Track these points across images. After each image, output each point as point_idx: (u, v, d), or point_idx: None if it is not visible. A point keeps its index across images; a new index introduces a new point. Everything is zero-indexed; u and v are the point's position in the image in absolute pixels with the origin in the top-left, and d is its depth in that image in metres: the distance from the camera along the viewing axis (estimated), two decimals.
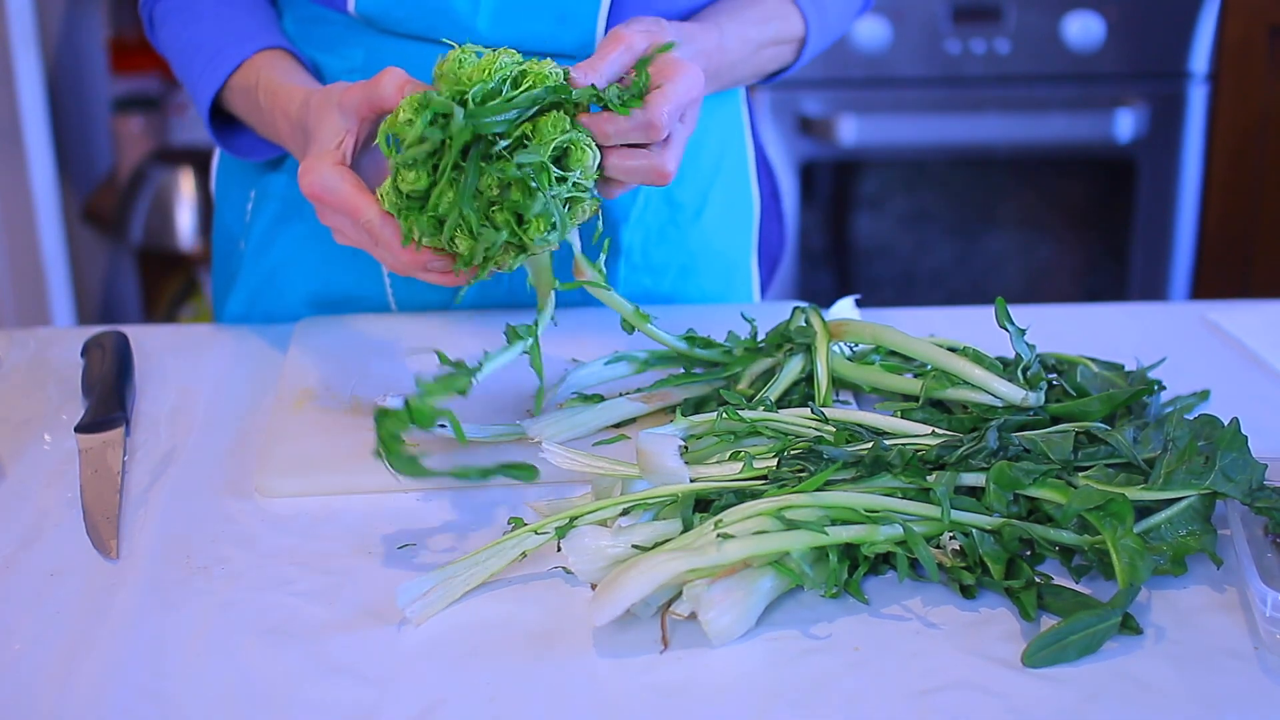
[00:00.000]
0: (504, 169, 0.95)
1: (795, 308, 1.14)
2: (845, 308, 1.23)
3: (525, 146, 0.96)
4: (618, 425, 1.08)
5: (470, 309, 1.31)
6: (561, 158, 0.98)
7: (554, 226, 0.98)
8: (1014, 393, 0.99)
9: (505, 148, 0.96)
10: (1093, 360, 1.11)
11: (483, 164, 0.96)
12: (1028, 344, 1.01)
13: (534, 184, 0.96)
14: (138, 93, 3.18)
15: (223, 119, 1.26)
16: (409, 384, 1.15)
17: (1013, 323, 1.01)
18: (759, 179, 1.47)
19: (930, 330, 1.18)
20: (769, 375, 1.09)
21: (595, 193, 1.01)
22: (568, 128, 0.98)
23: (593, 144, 0.99)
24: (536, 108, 0.97)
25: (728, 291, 1.41)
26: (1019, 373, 1.01)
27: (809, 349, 1.09)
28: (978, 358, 1.01)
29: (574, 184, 0.98)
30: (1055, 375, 1.07)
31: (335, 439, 1.06)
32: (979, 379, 1.00)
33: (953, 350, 1.02)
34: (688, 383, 1.10)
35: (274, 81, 1.16)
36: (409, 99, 0.97)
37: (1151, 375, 1.12)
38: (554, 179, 0.97)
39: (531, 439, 1.04)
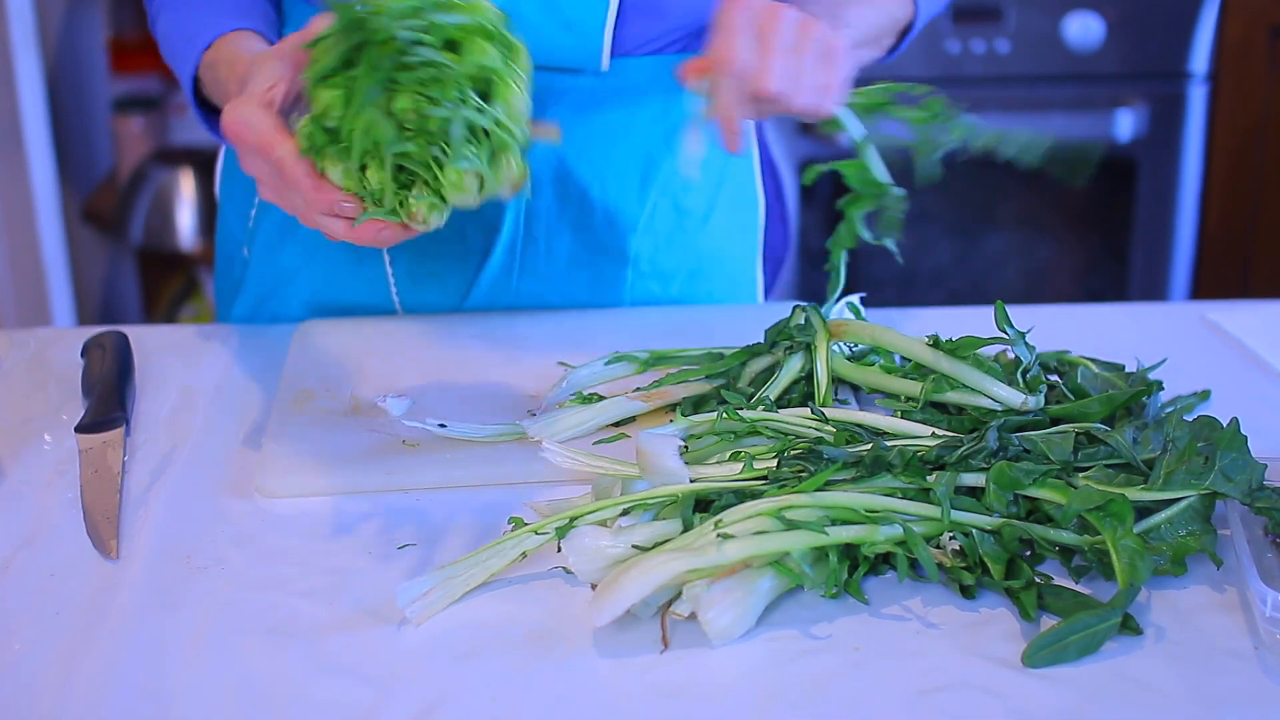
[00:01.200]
0: (410, 73, 0.90)
1: (795, 306, 1.14)
2: (845, 307, 1.23)
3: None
4: (618, 424, 1.08)
5: (474, 310, 1.31)
6: (486, 94, 0.93)
7: (475, 175, 0.93)
8: (1013, 397, 0.99)
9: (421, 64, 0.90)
10: (1093, 360, 1.11)
11: (393, 76, 0.91)
12: (1028, 346, 1.02)
13: (438, 96, 0.90)
14: (138, 93, 3.18)
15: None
16: (409, 384, 1.15)
17: (1012, 326, 1.01)
18: (763, 180, 1.47)
19: (930, 330, 1.18)
20: (768, 374, 1.10)
21: (525, 154, 0.97)
22: (497, 61, 0.92)
23: (522, 87, 0.94)
24: (456, 24, 0.92)
25: (733, 294, 1.42)
26: (1019, 376, 1.01)
27: (808, 348, 1.10)
28: (977, 362, 1.01)
29: (496, 121, 0.93)
30: (1056, 376, 1.07)
31: (335, 439, 1.06)
32: (978, 383, 1.00)
33: (953, 353, 1.02)
34: (687, 381, 1.11)
35: (235, 53, 1.14)
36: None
37: (1151, 375, 1.12)
38: (470, 101, 0.91)
39: (531, 438, 1.04)
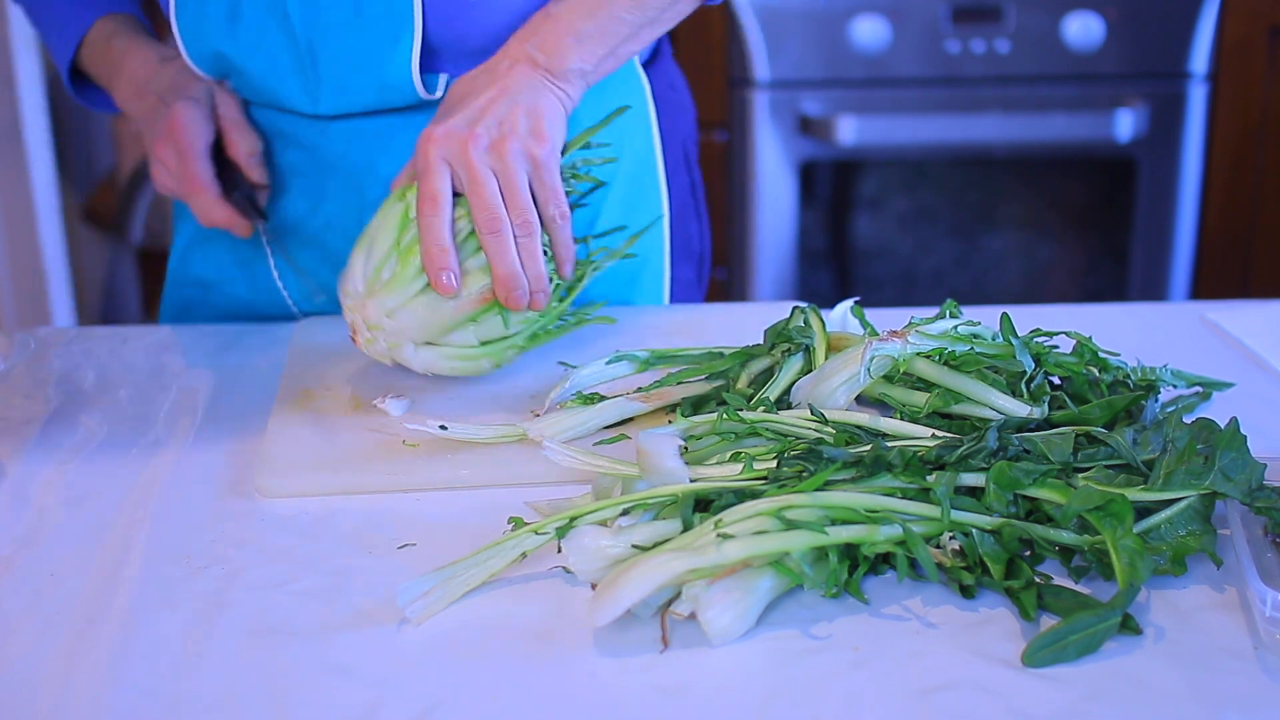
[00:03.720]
0: None
1: (794, 307, 1.14)
2: (846, 310, 1.23)
3: None
4: (618, 425, 1.08)
5: None
6: None
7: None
8: (1018, 409, 0.99)
9: None
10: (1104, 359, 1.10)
11: None
12: (1033, 354, 1.02)
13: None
14: None
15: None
16: (409, 384, 1.15)
17: (1017, 335, 1.01)
18: (674, 174, 1.41)
19: None
20: (768, 374, 1.10)
21: None
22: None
23: None
24: None
25: (633, 292, 1.38)
26: (1023, 385, 1.01)
27: (808, 349, 1.10)
28: (981, 375, 1.01)
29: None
30: (1058, 380, 1.07)
31: (335, 439, 1.06)
32: (983, 396, 1.00)
33: (956, 368, 1.02)
34: (687, 381, 1.11)
35: (126, 42, 1.30)
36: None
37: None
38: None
39: (532, 439, 1.04)
